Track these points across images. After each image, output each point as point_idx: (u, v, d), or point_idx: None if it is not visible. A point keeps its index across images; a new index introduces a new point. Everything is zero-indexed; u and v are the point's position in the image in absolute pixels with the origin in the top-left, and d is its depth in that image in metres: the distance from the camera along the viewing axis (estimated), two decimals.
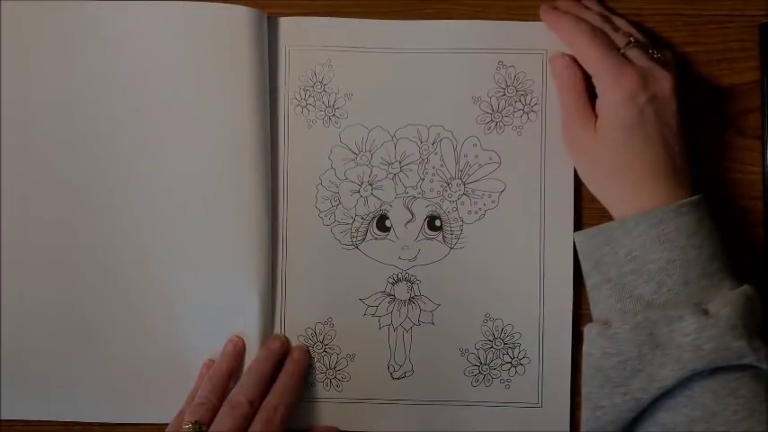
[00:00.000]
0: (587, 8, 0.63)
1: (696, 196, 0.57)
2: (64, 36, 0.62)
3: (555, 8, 0.63)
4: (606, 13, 0.63)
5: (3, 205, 0.63)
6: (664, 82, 0.58)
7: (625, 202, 0.58)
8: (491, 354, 0.63)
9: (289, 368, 0.62)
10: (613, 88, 0.58)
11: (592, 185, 0.61)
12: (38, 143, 0.62)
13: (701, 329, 0.53)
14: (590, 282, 0.59)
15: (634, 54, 0.59)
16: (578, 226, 0.63)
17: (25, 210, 0.63)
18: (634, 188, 0.58)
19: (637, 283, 0.56)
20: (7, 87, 0.62)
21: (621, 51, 0.59)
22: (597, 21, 0.61)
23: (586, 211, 0.63)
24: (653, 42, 0.62)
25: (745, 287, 0.56)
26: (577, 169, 0.62)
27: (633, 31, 0.61)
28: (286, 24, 0.64)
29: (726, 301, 0.54)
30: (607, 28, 0.61)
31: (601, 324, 0.57)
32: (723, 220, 0.63)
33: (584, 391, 0.58)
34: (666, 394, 0.54)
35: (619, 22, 0.62)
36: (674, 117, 0.58)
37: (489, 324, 0.63)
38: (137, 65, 0.62)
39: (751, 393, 0.53)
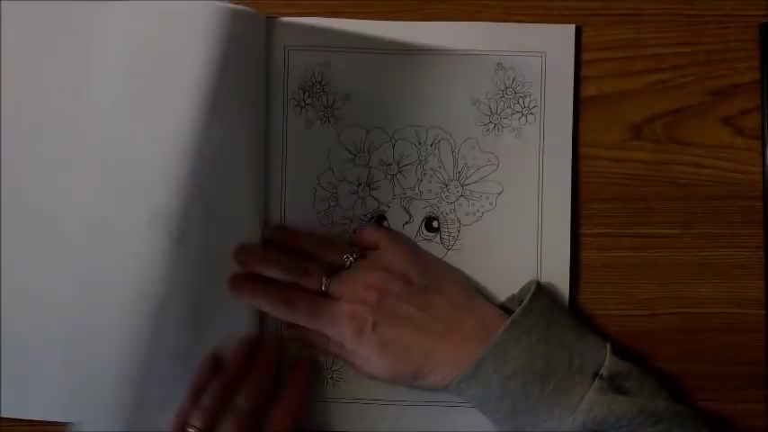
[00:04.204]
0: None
1: (474, 361, 0.56)
2: (63, 35, 0.62)
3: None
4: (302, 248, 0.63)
5: (2, 204, 0.63)
6: (369, 294, 0.59)
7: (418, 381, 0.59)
8: None
9: (296, 380, 0.62)
10: (340, 336, 0.59)
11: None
12: (35, 143, 0.63)
13: None
14: None
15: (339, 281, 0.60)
16: (575, 228, 0.63)
17: (25, 210, 0.63)
18: (425, 365, 0.58)
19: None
20: (4, 88, 0.63)
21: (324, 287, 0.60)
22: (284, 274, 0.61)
23: (584, 213, 0.63)
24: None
25: (594, 388, 0.56)
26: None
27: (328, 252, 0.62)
28: (286, 24, 0.64)
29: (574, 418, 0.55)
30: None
31: None
32: (722, 220, 0.63)
33: None
34: None
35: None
36: (403, 308, 0.58)
37: None
38: (134, 63, 0.62)
39: None
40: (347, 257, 0.60)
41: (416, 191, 0.63)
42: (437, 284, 0.60)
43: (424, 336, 0.57)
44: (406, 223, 0.64)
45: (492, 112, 0.63)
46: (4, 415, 0.64)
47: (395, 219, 0.64)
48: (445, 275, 0.61)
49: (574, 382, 0.55)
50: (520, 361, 0.56)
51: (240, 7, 0.61)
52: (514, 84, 0.63)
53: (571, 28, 0.62)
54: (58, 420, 0.64)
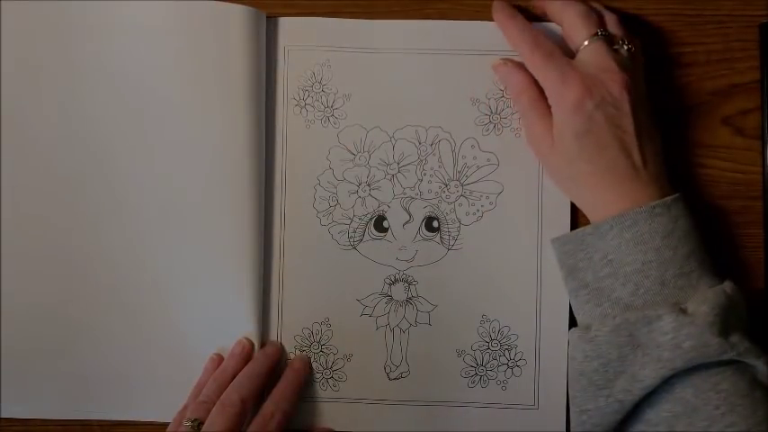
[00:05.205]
0: None
1: (670, 196, 0.57)
2: (61, 35, 0.62)
3: (507, 7, 0.62)
4: None
5: (1, 204, 0.63)
6: (612, 84, 0.57)
7: (593, 207, 0.59)
8: (488, 355, 0.63)
9: (288, 376, 0.62)
10: (559, 99, 0.57)
11: (562, 190, 0.62)
12: (34, 142, 0.63)
13: (678, 328, 0.53)
14: (568, 287, 0.60)
15: (595, 48, 0.58)
16: (575, 228, 0.63)
17: (23, 209, 0.63)
18: (593, 194, 0.58)
19: (614, 286, 0.56)
20: (6, 85, 0.63)
21: (582, 46, 0.59)
22: (560, 7, 0.60)
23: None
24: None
25: (725, 284, 0.56)
26: (556, 178, 0.62)
27: (607, 16, 0.61)
28: (286, 24, 0.64)
29: (703, 299, 0.54)
30: (572, 14, 0.59)
31: (582, 328, 0.58)
32: (722, 220, 0.63)
33: (569, 394, 0.58)
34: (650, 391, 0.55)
35: (593, 5, 0.61)
36: (628, 118, 0.57)
37: (486, 325, 0.63)
38: (134, 62, 0.62)
39: (732, 388, 0.53)
40: (597, 33, 0.59)
41: (416, 191, 0.63)
42: (653, 136, 0.59)
43: (623, 159, 0.57)
44: (406, 223, 0.63)
45: (492, 112, 0.63)
46: (3, 415, 0.64)
47: (395, 219, 0.64)
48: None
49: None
50: (689, 228, 0.57)
51: (240, 7, 0.61)
52: None
53: None
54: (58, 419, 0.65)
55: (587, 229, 0.58)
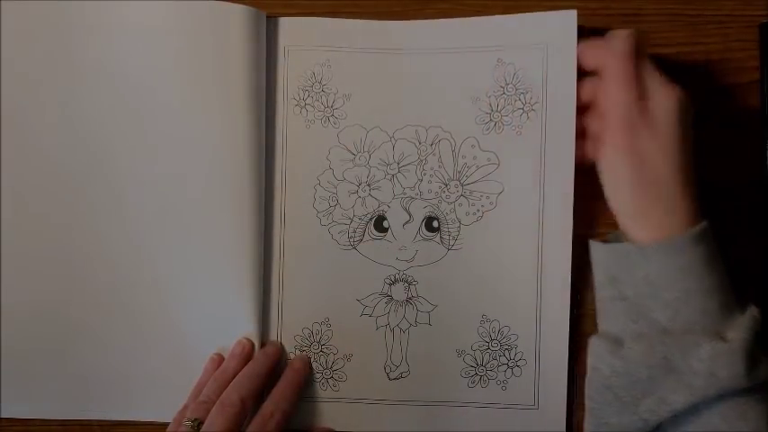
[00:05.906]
0: None
1: (704, 222, 0.56)
2: (61, 35, 0.62)
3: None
4: None
5: (1, 204, 0.63)
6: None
7: (644, 217, 0.57)
8: (488, 355, 0.63)
9: (288, 376, 0.62)
10: (676, 96, 0.56)
11: (619, 194, 0.58)
12: (34, 141, 0.63)
13: (716, 356, 0.53)
14: (602, 293, 0.59)
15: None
16: (576, 228, 0.63)
17: (23, 208, 0.63)
18: (660, 203, 0.56)
19: (653, 307, 0.56)
20: (6, 85, 0.63)
21: None
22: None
23: (585, 212, 0.63)
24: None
25: (752, 309, 0.56)
26: (612, 176, 0.59)
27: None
28: (286, 24, 0.64)
29: (738, 326, 0.54)
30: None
31: (611, 341, 0.57)
32: (723, 220, 0.63)
33: (588, 404, 0.57)
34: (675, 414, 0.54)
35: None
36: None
37: (486, 325, 0.63)
38: (134, 62, 0.62)
39: (758, 416, 0.53)
40: None
41: (416, 191, 0.63)
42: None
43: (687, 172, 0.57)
44: (406, 223, 0.64)
45: (492, 110, 0.63)
46: (4, 415, 0.64)
47: (395, 219, 0.64)
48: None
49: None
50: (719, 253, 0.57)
51: (240, 7, 0.61)
52: (515, 79, 0.63)
53: (572, 13, 0.61)
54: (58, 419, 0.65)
55: (631, 247, 0.57)
